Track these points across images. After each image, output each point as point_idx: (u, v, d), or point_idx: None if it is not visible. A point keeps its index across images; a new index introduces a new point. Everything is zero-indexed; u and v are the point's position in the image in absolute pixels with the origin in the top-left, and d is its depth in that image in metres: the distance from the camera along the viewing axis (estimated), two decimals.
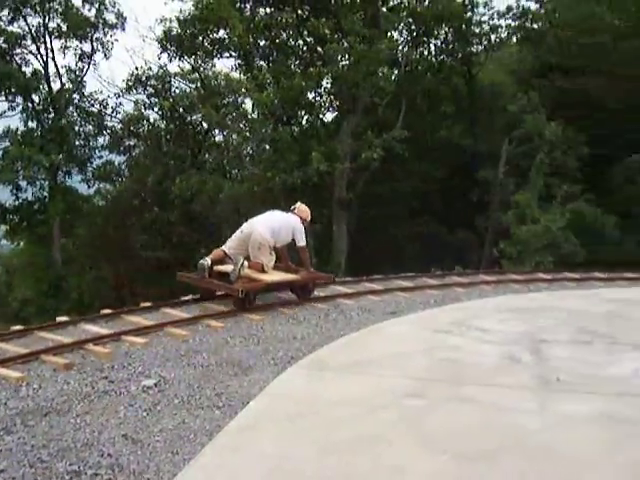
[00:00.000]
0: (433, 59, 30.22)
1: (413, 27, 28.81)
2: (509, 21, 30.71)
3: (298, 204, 10.88)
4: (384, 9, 27.62)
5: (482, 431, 4.49)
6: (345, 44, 23.02)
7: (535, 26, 30.19)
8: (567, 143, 23.90)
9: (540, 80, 28.53)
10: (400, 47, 27.64)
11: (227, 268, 9.85)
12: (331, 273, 12.80)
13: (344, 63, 23.65)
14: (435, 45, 30.35)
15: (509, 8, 29.93)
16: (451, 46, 30.05)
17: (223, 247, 10.44)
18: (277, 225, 10.21)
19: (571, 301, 9.79)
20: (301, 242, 10.30)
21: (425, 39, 29.56)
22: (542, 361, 6.16)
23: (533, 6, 29.87)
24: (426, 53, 30.20)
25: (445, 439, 4.35)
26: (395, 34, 28.90)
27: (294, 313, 9.34)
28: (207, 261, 9.99)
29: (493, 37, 31.66)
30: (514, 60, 32.75)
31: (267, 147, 24.15)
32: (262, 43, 25.25)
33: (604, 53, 25.40)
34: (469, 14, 30.09)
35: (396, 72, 26.87)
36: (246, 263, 9.78)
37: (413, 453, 4.15)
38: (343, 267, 23.60)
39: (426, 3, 27.83)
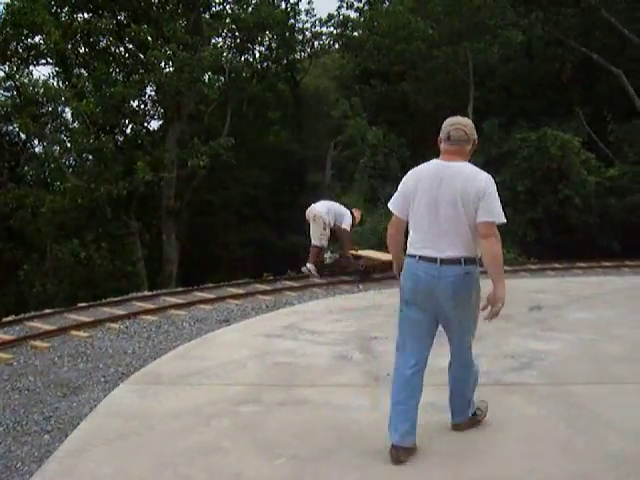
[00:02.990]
0: (258, 66, 30.42)
1: (237, 34, 28.91)
2: (331, 29, 31.52)
3: (356, 209, 14.36)
4: (206, 16, 27.51)
5: (317, 431, 4.56)
6: (168, 51, 22.71)
7: (356, 34, 31.11)
8: (389, 146, 24.81)
9: (362, 86, 29.49)
10: (224, 54, 27.60)
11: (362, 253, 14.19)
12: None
13: (167, 70, 23.33)
14: (260, 52, 30.60)
15: (330, 16, 30.69)
16: (275, 53, 30.37)
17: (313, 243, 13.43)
18: (333, 208, 13.62)
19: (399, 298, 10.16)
20: (344, 225, 13.44)
21: (249, 46, 29.73)
22: (372, 358, 6.35)
23: (353, 14, 30.78)
24: (251, 60, 30.36)
25: (281, 443, 4.38)
26: (219, 41, 28.91)
27: (124, 327, 9.09)
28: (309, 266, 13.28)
29: (316, 44, 32.38)
30: (337, 66, 33.62)
31: (90, 157, 23.39)
32: (81, 50, 24.42)
33: (420, 60, 26.62)
34: (291, 21, 30.55)
35: (221, 79, 26.82)
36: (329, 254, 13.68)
37: (249, 459, 4.15)
38: (175, 277, 23.26)
39: (249, 10, 27.96)
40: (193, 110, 25.63)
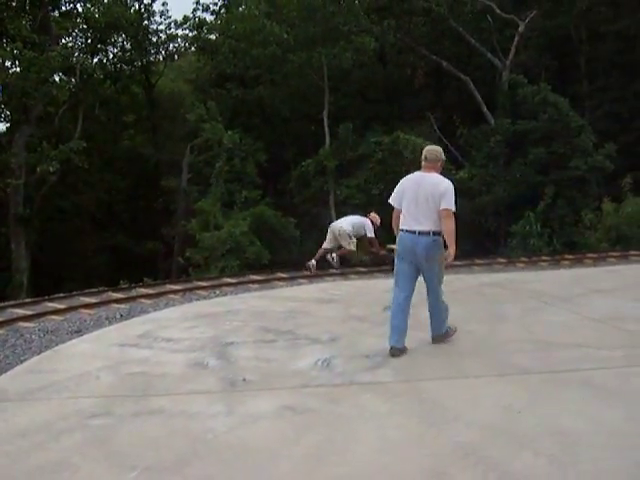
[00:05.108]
0: (111, 67, 29.67)
1: (88, 34, 28.08)
2: (186, 31, 31.19)
3: (372, 213, 16.28)
4: (56, 14, 26.55)
5: (172, 441, 4.48)
6: (14, 50, 21.71)
7: (212, 37, 30.94)
8: (246, 150, 24.79)
9: (218, 89, 29.36)
10: (75, 54, 26.70)
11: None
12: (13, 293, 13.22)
13: (13, 70, 22.31)
14: (113, 53, 29.86)
15: (186, 18, 30.39)
16: (129, 54, 29.74)
17: (324, 245, 16.00)
18: (353, 221, 16.19)
19: (255, 302, 10.16)
20: (369, 234, 15.91)
21: (102, 46, 28.96)
22: (229, 364, 6.30)
23: (209, 17, 30.60)
24: (104, 61, 29.59)
25: (135, 455, 4.26)
26: (69, 41, 27.97)
27: None
28: (313, 262, 15.41)
29: (171, 46, 31.95)
30: (193, 70, 33.32)
31: None
32: None
33: (276, 64, 26.78)
34: (145, 22, 30.02)
35: (72, 80, 25.92)
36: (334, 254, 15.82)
37: (101, 474, 4.02)
38: (25, 287, 22.25)
39: (101, 10, 27.20)
40: (42, 112, 24.63)
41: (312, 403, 5.10)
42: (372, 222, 15.99)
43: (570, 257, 18.37)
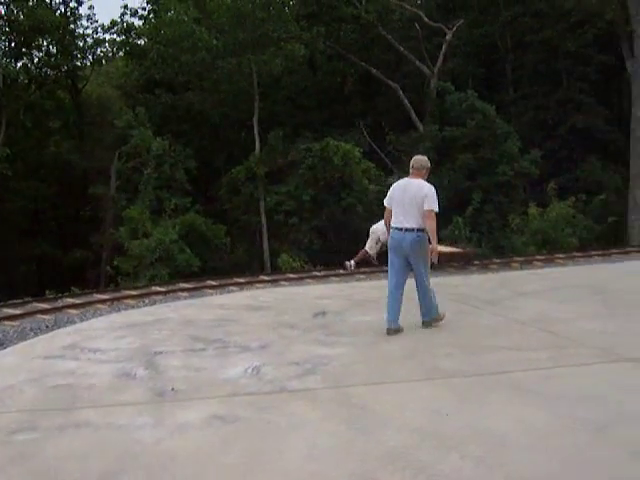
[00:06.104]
0: (36, 72, 29.07)
1: (12, 37, 27.46)
2: (114, 36, 30.80)
3: None
4: None
5: (100, 454, 4.38)
6: None
7: (140, 42, 30.62)
8: (175, 157, 24.56)
9: (146, 95, 29.05)
10: None
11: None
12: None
13: None
14: (38, 57, 29.26)
15: (113, 22, 30.06)
16: (54, 59, 29.18)
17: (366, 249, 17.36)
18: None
19: (185, 310, 10.05)
20: None
21: (26, 50, 28.35)
22: (157, 374, 6.20)
23: (137, 22, 30.27)
24: (29, 65, 28.96)
25: (60, 470, 4.16)
26: None
27: None
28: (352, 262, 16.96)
29: (98, 51, 31.49)
30: (121, 75, 32.92)
31: None
32: None
33: (205, 70, 26.66)
34: (71, 26, 29.52)
35: None
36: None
37: None
38: None
39: (25, 12, 26.62)
40: None
41: (242, 412, 5.06)
42: None
43: (497, 261, 18.73)
